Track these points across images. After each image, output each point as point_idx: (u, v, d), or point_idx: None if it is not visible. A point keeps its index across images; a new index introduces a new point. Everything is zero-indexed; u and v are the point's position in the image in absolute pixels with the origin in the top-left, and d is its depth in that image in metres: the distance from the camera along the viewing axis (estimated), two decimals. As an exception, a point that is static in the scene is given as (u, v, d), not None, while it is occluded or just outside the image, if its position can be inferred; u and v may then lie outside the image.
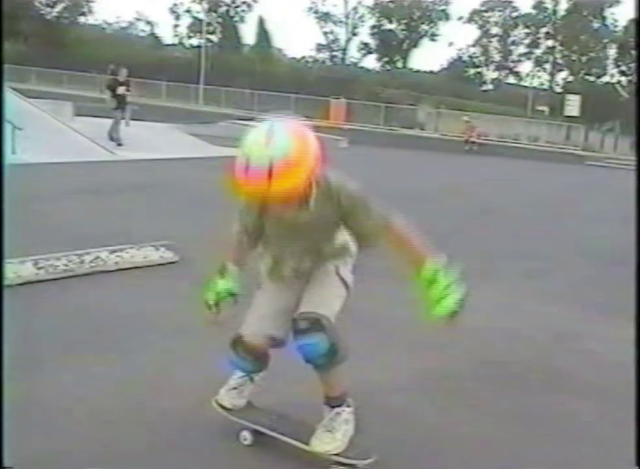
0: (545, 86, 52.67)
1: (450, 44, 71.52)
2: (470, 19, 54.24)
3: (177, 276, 4.92)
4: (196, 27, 52.00)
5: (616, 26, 49.65)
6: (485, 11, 54.05)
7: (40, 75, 38.73)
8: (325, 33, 56.15)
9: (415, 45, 55.08)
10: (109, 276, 4.91)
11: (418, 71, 53.86)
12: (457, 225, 8.02)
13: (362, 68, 55.01)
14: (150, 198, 8.73)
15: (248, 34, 54.86)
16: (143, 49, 49.50)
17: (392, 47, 54.40)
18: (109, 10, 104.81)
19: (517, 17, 53.51)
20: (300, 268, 2.44)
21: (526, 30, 53.07)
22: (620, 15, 68.34)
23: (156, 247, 5.47)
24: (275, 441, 2.55)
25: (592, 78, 50.36)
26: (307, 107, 26.46)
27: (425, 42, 55.27)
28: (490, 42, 54.80)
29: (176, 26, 56.19)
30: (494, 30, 54.31)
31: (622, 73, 49.65)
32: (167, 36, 72.71)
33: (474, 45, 55.04)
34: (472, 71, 54.92)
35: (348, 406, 2.50)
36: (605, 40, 50.17)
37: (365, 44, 55.72)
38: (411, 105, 34.16)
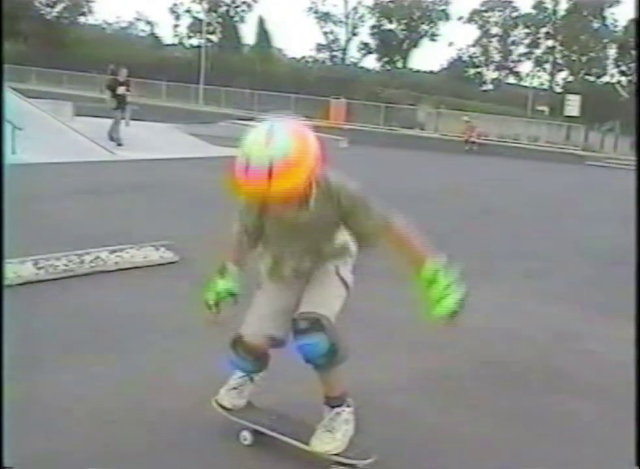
0: (545, 86, 52.68)
1: (450, 44, 71.68)
2: (470, 19, 54.26)
3: (177, 276, 4.92)
4: (196, 27, 52.00)
5: (616, 26, 49.71)
6: (485, 11, 54.06)
7: (40, 75, 38.73)
8: (325, 33, 56.21)
9: (415, 45, 55.09)
10: (109, 276, 4.91)
11: (418, 71, 53.88)
12: (457, 225, 8.02)
13: (362, 68, 55.02)
14: (150, 198, 8.73)
15: (248, 34, 54.98)
16: (143, 49, 49.50)
17: (392, 47, 54.40)
18: (109, 10, 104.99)
19: (517, 17, 53.52)
20: (300, 268, 2.44)
21: (526, 30, 53.08)
22: (620, 15, 68.47)
23: (156, 247, 5.47)
24: (275, 441, 2.55)
25: (592, 78, 50.36)
26: (307, 107, 26.46)
27: (425, 42, 55.35)
28: (490, 42, 54.80)
29: (176, 26, 56.28)
30: (494, 30, 54.32)
31: (622, 73, 49.66)
32: (167, 36, 72.85)
33: (474, 45, 55.07)
34: (472, 71, 54.92)
35: (348, 406, 2.50)
36: (605, 40, 50.17)
37: (365, 44, 55.75)
38: (411, 105, 34.16)
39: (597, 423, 3.08)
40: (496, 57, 54.94)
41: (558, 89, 50.21)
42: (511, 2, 53.39)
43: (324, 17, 55.31)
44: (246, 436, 2.62)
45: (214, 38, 52.84)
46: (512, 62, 54.88)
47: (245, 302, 2.51)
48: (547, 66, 53.20)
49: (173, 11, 55.55)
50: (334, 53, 56.78)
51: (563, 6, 50.43)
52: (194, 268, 4.58)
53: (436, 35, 54.73)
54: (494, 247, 6.98)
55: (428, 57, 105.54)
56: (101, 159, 12.81)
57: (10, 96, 13.09)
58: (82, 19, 54.76)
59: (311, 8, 55.31)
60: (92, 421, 2.77)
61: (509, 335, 4.26)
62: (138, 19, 59.47)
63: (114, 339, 3.71)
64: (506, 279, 5.65)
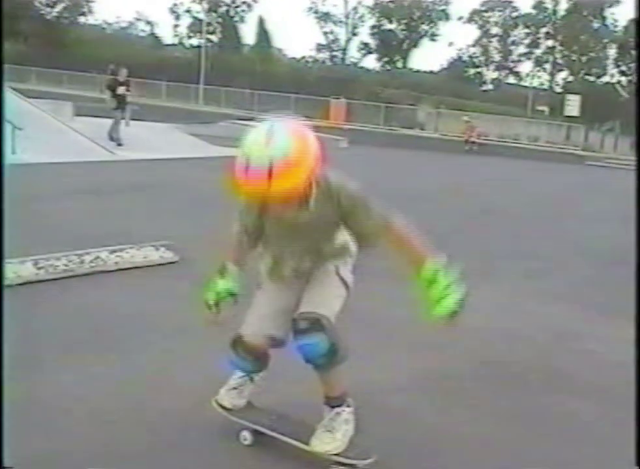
0: (545, 86, 52.68)
1: (450, 44, 71.58)
2: (470, 19, 54.26)
3: (177, 276, 4.92)
4: (196, 27, 52.00)
5: (616, 26, 49.72)
6: (485, 11, 54.05)
7: (40, 75, 38.72)
8: (325, 33, 56.21)
9: (415, 45, 55.09)
10: (109, 276, 4.91)
11: (418, 71, 53.87)
12: (457, 225, 8.02)
13: (362, 68, 55.02)
14: (150, 198, 8.73)
15: (248, 34, 54.97)
16: (143, 49, 49.49)
17: (392, 47, 54.40)
18: (109, 10, 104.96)
19: (517, 17, 53.51)
20: (300, 268, 2.44)
21: (526, 30, 53.08)
22: (620, 15, 68.46)
23: (156, 247, 5.47)
24: (275, 442, 2.55)
25: (592, 78, 50.36)
26: (307, 107, 26.45)
27: (425, 42, 55.36)
28: (490, 42, 54.80)
29: (176, 26, 56.28)
30: (494, 30, 54.31)
31: (622, 73, 49.66)
32: (167, 36, 72.82)
33: (474, 45, 55.06)
34: (472, 71, 54.92)
35: (348, 406, 2.50)
36: (605, 40, 50.17)
37: (365, 44, 55.75)
38: (411, 105, 34.16)
39: (597, 423, 3.08)
40: (496, 57, 54.94)
41: (558, 89, 50.22)
42: (511, 2, 53.44)
43: (324, 17, 55.33)
44: (246, 436, 2.62)
45: (214, 38, 52.84)
46: (512, 62, 54.88)
47: (245, 302, 2.51)
48: (547, 66, 53.20)
49: (173, 11, 55.62)
50: (334, 53, 56.78)
51: (563, 6, 50.52)
52: (194, 268, 4.58)
53: (436, 35, 54.77)
54: (494, 247, 6.98)
55: (428, 57, 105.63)
56: (101, 159, 12.81)
57: (10, 96, 13.09)
58: (82, 19, 54.83)
59: (311, 8, 55.38)
60: (92, 421, 2.77)
61: (509, 335, 4.26)
62: (138, 19, 59.56)
63: (114, 339, 3.71)
64: (506, 279, 5.65)
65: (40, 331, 3.71)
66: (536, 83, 53.07)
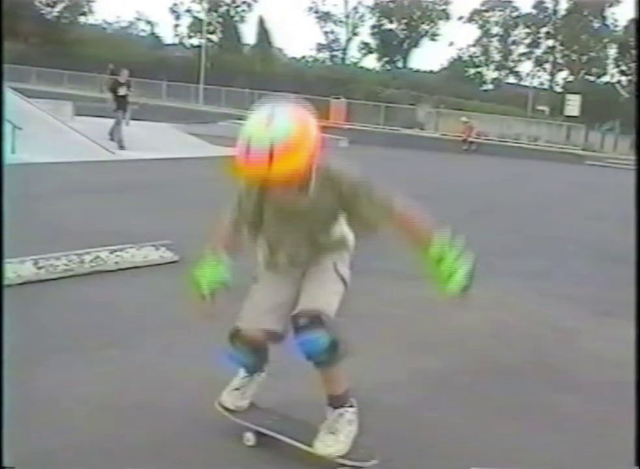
0: (545, 86, 52.71)
1: (450, 44, 71.38)
2: (470, 19, 54.28)
3: (177, 276, 4.90)
4: (196, 26, 52.01)
5: (616, 26, 49.77)
6: (486, 11, 54.07)
7: (40, 75, 38.71)
8: (325, 33, 56.27)
9: (415, 45, 55.11)
10: (109, 276, 4.91)
11: (418, 71, 53.86)
12: (457, 224, 7.99)
13: (362, 68, 55.01)
14: (151, 197, 8.73)
15: (248, 34, 54.93)
16: (143, 49, 49.48)
17: (392, 47, 54.42)
18: (109, 9, 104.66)
19: (517, 17, 53.54)
20: (295, 257, 2.42)
21: (527, 30, 53.10)
22: (620, 15, 68.46)
23: (156, 247, 5.47)
24: (278, 443, 2.54)
25: (592, 78, 50.38)
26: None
27: (426, 41, 55.39)
28: (490, 41, 54.82)
29: (176, 26, 56.32)
30: (495, 30, 54.34)
31: (622, 73, 49.68)
32: (167, 36, 72.62)
33: (474, 45, 55.08)
34: (472, 71, 54.92)
35: (351, 407, 2.49)
36: (605, 40, 50.20)
37: (366, 44, 55.77)
38: (411, 105, 34.18)
39: (597, 423, 3.08)
40: (497, 57, 54.96)
41: (558, 89, 50.25)
42: (511, 2, 53.50)
43: (325, 16, 55.37)
44: (249, 437, 2.61)
45: (214, 37, 52.85)
46: (512, 62, 54.90)
47: (241, 295, 2.48)
48: (547, 66, 53.23)
49: (173, 11, 55.67)
50: (334, 53, 56.81)
51: (563, 5, 50.58)
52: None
53: (436, 35, 54.80)
54: (494, 246, 6.97)
55: (428, 57, 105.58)
56: (101, 159, 12.82)
57: (10, 96, 13.09)
58: (82, 19, 54.78)
59: (311, 8, 55.43)
60: (92, 420, 2.77)
61: (509, 334, 4.26)
62: (138, 19, 59.49)
63: (114, 339, 3.71)
64: (506, 278, 5.65)
65: (40, 331, 3.71)
66: (536, 82, 53.16)
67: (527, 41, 53.45)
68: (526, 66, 56.67)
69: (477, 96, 44.06)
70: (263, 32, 51.77)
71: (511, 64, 55.06)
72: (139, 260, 5.20)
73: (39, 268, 4.68)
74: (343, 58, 55.90)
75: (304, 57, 58.57)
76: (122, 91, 14.89)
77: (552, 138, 29.06)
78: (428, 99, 36.59)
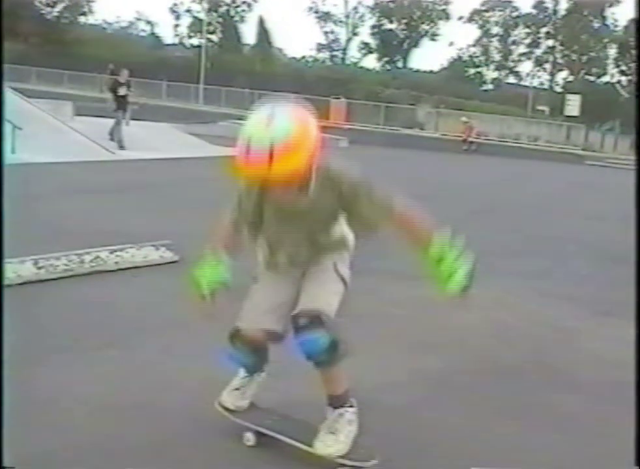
0: (545, 86, 52.71)
1: (450, 44, 71.32)
2: (470, 19, 54.29)
3: (177, 276, 4.90)
4: (196, 26, 52.02)
5: (616, 26, 49.78)
6: (486, 11, 54.07)
7: (40, 75, 38.71)
8: (325, 33, 56.26)
9: (415, 45, 55.12)
10: (109, 276, 4.91)
11: (418, 71, 53.87)
12: (457, 224, 7.99)
13: (362, 68, 55.01)
14: (151, 197, 8.73)
15: (248, 34, 54.93)
16: (143, 49, 49.48)
17: (392, 47, 54.43)
18: (109, 9, 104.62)
19: (517, 17, 53.54)
20: (295, 257, 2.42)
21: (527, 30, 53.11)
22: (620, 15, 68.50)
23: (156, 247, 5.47)
24: (279, 443, 2.54)
25: (592, 78, 50.38)
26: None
27: (426, 41, 55.40)
28: (490, 41, 54.82)
29: (176, 26, 56.32)
30: (495, 30, 54.34)
31: (622, 73, 49.68)
32: (167, 36, 72.65)
33: (474, 45, 55.09)
34: (472, 71, 54.92)
35: (351, 407, 2.49)
36: (605, 40, 50.21)
37: (366, 44, 55.77)
38: (411, 105, 34.18)
39: (597, 423, 3.08)
40: (497, 57, 54.97)
41: (558, 89, 50.26)
42: (511, 2, 53.50)
43: (325, 16, 55.37)
44: (249, 437, 2.61)
45: (214, 37, 52.85)
46: (512, 62, 54.90)
47: (241, 295, 2.48)
48: (547, 66, 53.23)
49: (173, 11, 55.67)
50: (334, 53, 56.81)
51: (563, 5, 50.58)
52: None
53: (436, 35, 54.80)
54: (494, 246, 6.97)
55: (428, 57, 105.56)
56: (101, 159, 12.82)
57: (10, 96, 13.09)
58: (82, 19, 54.77)
59: (311, 8, 55.43)
60: (93, 419, 2.77)
61: (509, 334, 4.26)
62: (138, 19, 59.47)
63: (114, 339, 3.71)
64: (506, 278, 5.65)
65: (40, 331, 3.71)
66: (536, 82, 53.17)
67: (527, 41, 53.46)
68: (526, 66, 56.76)
69: (477, 96, 44.07)
70: (263, 32, 51.77)
71: (511, 64, 55.08)
72: (139, 260, 5.20)
73: (39, 268, 4.68)
74: (343, 58, 55.91)
75: (304, 57, 58.65)
76: (122, 91, 14.89)
77: (552, 138, 29.07)
78: (428, 99, 36.60)
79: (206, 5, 50.36)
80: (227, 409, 2.67)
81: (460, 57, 55.47)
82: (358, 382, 2.67)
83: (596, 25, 50.41)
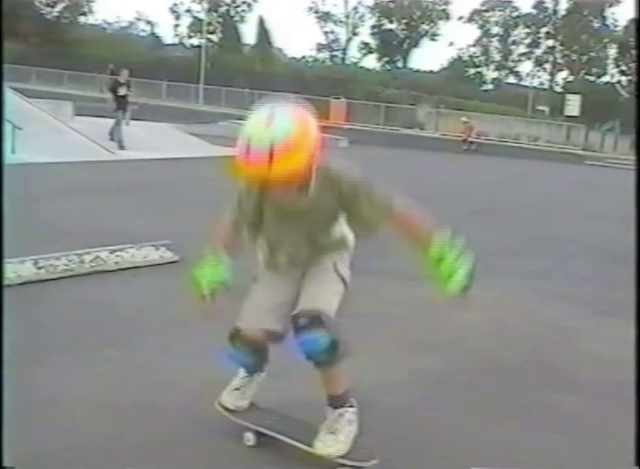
0: (545, 86, 52.71)
1: (450, 44, 71.30)
2: (470, 19, 54.30)
3: (177, 276, 4.90)
4: (196, 26, 52.01)
5: (616, 26, 49.79)
6: (486, 11, 54.08)
7: (40, 75, 38.71)
8: (325, 33, 56.26)
9: (415, 45, 55.12)
10: (109, 276, 4.91)
11: (418, 71, 53.87)
12: (457, 224, 7.99)
13: (362, 68, 55.01)
14: (151, 197, 8.73)
15: (248, 34, 54.93)
16: (143, 49, 49.48)
17: (392, 47, 54.43)
18: (109, 9, 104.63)
19: (517, 17, 53.54)
20: (295, 257, 2.42)
21: (527, 30, 53.11)
22: (620, 15, 68.49)
23: (156, 247, 5.47)
24: (279, 443, 2.54)
25: (592, 78, 50.39)
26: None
27: (426, 41, 55.40)
28: (490, 41, 54.82)
29: (176, 26, 56.32)
30: (495, 30, 54.34)
31: (622, 73, 49.69)
32: (167, 36, 72.66)
33: (474, 45, 55.09)
34: (472, 71, 54.92)
35: (351, 407, 2.49)
36: (605, 40, 50.21)
37: (366, 44, 55.77)
38: (411, 105, 34.19)
39: (597, 423, 3.08)
40: (497, 57, 54.97)
41: (558, 89, 50.26)
42: (511, 2, 53.50)
43: (325, 16, 55.37)
44: (249, 437, 2.61)
45: (214, 37, 52.85)
46: (512, 62, 54.90)
47: (241, 295, 2.49)
48: (547, 66, 53.23)
49: (173, 11, 55.67)
50: (334, 53, 56.81)
51: (563, 5, 50.59)
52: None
53: (436, 35, 54.80)
54: (494, 246, 6.98)
55: (428, 57, 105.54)
56: (101, 159, 12.82)
57: (10, 96, 13.09)
58: (82, 19, 54.76)
59: (311, 8, 55.44)
60: (92, 419, 2.77)
61: (509, 334, 4.26)
62: (138, 19, 59.47)
63: (114, 339, 3.71)
64: (506, 278, 5.65)
65: (40, 331, 3.71)
66: (536, 82, 53.17)
67: (527, 41, 53.46)
68: (526, 66, 56.76)
69: (477, 96, 44.07)
70: (263, 32, 51.77)
71: (511, 64, 55.08)
72: (139, 260, 5.20)
73: (39, 268, 4.68)
74: (343, 58, 55.91)
75: (304, 57, 58.65)
76: (122, 91, 14.89)
77: (553, 138, 29.07)
78: (428, 99, 36.60)
79: (206, 5, 50.35)
80: (227, 409, 2.67)
81: (460, 57, 55.47)
82: (358, 382, 2.67)
83: (596, 25, 50.42)
